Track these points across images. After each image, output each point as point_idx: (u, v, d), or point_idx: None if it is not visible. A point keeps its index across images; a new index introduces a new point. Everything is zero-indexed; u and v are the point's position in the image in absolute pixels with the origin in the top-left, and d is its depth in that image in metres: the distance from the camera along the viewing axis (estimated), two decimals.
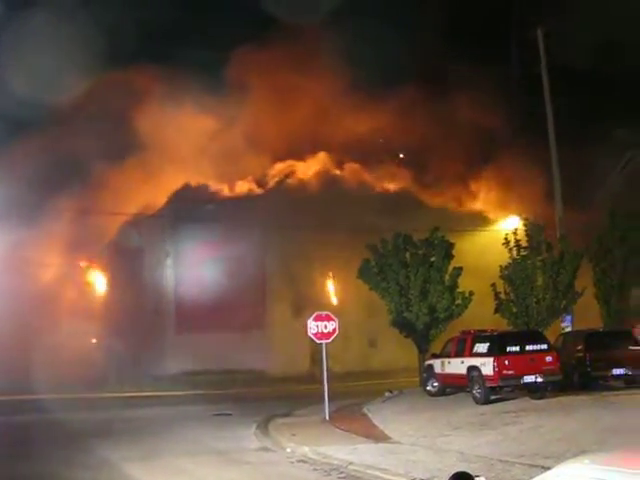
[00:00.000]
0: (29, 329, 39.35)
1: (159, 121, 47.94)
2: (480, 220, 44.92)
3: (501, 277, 26.70)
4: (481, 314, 27.32)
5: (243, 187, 50.61)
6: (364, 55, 44.21)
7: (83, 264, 52.44)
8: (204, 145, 49.98)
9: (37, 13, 42.54)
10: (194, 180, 50.18)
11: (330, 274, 45.03)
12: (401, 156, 53.60)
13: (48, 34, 41.99)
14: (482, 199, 50.52)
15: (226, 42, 45.77)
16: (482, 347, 21.70)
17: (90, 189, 47.09)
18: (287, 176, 50.76)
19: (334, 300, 43.55)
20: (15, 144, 43.27)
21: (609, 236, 28.06)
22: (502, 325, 26.45)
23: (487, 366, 20.79)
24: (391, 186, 50.57)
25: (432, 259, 27.19)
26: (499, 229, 35.62)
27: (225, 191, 50.24)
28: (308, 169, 51.40)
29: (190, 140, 49.58)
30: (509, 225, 33.19)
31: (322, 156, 51.33)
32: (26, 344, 36.86)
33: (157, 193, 48.94)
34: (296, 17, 45.20)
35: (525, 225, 27.19)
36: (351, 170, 51.25)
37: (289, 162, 51.60)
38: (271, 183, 50.47)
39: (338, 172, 51.38)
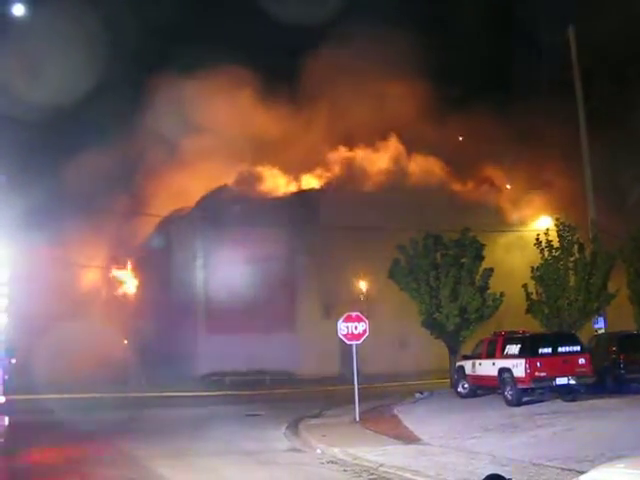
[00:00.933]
0: (63, 329, 39.78)
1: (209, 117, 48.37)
2: (514, 220, 44.60)
3: (532, 278, 26.45)
4: (513, 315, 27.13)
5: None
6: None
7: (115, 265, 53.01)
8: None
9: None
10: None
11: (360, 274, 44.95)
12: (460, 138, 53.36)
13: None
14: (514, 198, 50.18)
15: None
16: (514, 348, 21.50)
17: (128, 193, 47.71)
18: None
19: (364, 301, 43.46)
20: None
21: None
22: (535, 327, 26.22)
23: (519, 368, 20.59)
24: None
25: (463, 260, 27.03)
26: (531, 229, 35.27)
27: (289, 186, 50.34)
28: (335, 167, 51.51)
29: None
30: (541, 225, 32.88)
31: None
32: (60, 344, 37.29)
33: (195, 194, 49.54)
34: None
35: (557, 226, 26.88)
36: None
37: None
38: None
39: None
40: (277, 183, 51.22)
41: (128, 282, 52.27)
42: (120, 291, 52.13)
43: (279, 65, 50.35)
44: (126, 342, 45.13)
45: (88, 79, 44.61)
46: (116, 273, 53.94)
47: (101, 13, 45.34)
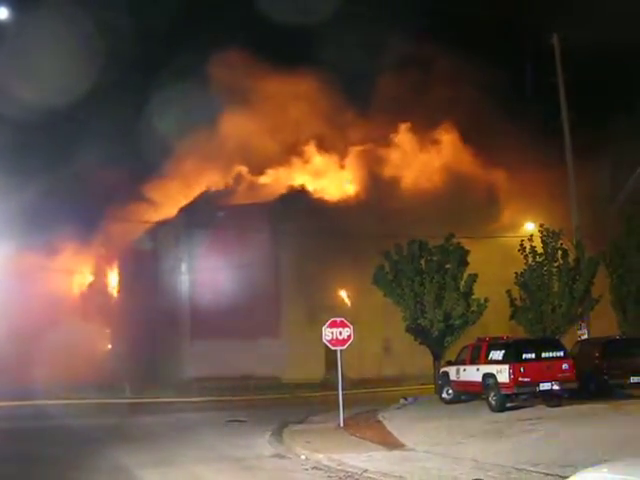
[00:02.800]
0: (45, 335, 39.57)
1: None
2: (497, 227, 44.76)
3: (516, 284, 26.58)
4: (496, 321, 27.26)
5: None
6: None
7: (101, 271, 52.83)
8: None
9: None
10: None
11: (344, 280, 44.97)
12: None
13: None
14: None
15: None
16: (498, 354, 21.57)
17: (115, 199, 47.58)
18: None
19: (349, 306, 43.49)
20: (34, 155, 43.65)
21: (625, 242, 27.82)
22: (519, 332, 26.35)
23: (503, 373, 20.65)
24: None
25: (447, 266, 27.11)
26: (515, 235, 35.43)
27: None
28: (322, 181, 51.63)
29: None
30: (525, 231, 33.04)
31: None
32: (42, 350, 37.06)
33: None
34: None
35: (540, 232, 27.03)
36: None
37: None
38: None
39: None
40: (262, 188, 51.14)
41: (113, 287, 52.07)
42: (105, 296, 51.89)
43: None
44: (110, 347, 44.92)
45: (83, 81, 44.43)
46: (101, 279, 53.72)
47: (98, 14, 45.16)
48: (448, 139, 52.33)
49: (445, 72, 49.91)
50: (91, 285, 54.92)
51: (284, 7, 45.88)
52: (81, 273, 52.48)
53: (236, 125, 51.14)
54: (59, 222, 44.83)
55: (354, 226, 41.33)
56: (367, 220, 42.56)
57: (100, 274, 53.61)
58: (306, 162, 52.93)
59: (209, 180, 51.53)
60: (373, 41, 49.05)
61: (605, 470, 4.08)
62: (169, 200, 50.29)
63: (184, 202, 49.56)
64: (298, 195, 48.98)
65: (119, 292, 50.62)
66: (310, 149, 52.85)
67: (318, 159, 53.05)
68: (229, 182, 51.61)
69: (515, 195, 46.80)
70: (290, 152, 52.11)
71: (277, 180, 51.33)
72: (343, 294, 45.31)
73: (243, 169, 52.28)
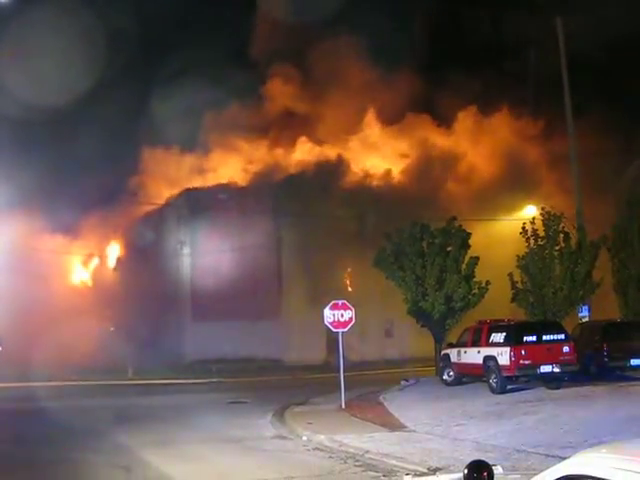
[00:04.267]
0: (47, 316, 39.67)
1: None
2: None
3: (518, 267, 26.59)
4: (499, 304, 27.29)
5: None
6: None
7: (101, 253, 52.86)
8: None
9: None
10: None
11: (346, 262, 44.99)
12: None
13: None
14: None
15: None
16: (499, 337, 21.66)
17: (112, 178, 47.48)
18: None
19: (350, 289, 43.54)
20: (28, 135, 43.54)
21: (627, 226, 27.82)
22: (520, 315, 26.39)
23: (504, 356, 20.74)
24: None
25: (449, 248, 27.12)
26: (518, 218, 35.41)
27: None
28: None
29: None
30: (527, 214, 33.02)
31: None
32: (44, 331, 37.14)
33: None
34: None
35: (542, 215, 27.00)
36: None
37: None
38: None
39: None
40: (262, 171, 50.98)
41: (115, 270, 52.15)
42: (106, 279, 51.96)
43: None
44: (112, 329, 45.04)
45: (86, 76, 44.19)
46: (103, 261, 53.78)
47: (100, 10, 44.86)
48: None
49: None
50: (91, 267, 54.97)
51: None
52: (80, 255, 52.48)
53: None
54: (60, 204, 44.74)
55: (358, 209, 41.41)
56: (370, 203, 42.66)
57: (102, 256, 53.66)
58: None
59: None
60: None
61: (604, 451, 4.12)
62: (175, 183, 50.20)
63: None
64: (300, 179, 48.72)
65: (120, 274, 50.65)
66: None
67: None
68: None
69: (520, 179, 46.57)
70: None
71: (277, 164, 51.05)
72: (345, 276, 45.32)
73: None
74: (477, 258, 27.05)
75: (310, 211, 41.76)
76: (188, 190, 48.00)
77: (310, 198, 43.25)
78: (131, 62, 47.13)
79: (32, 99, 39.83)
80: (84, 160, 44.97)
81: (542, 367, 20.56)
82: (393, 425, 17.06)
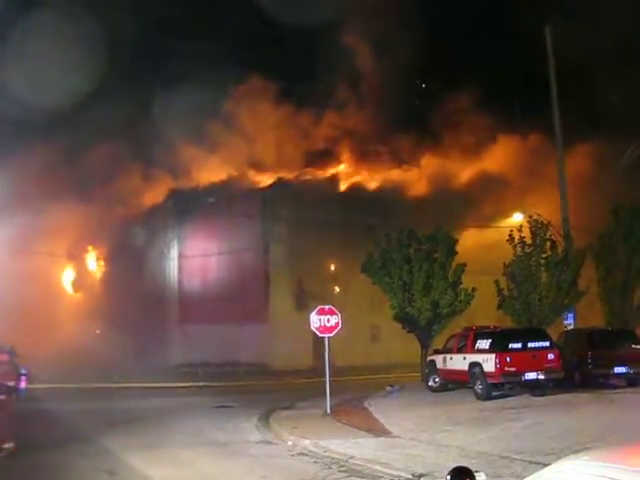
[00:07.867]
0: (32, 319, 39.43)
1: None
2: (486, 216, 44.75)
3: (504, 274, 26.68)
4: (485, 311, 27.39)
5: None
6: None
7: (87, 255, 52.60)
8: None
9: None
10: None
11: (333, 268, 45.02)
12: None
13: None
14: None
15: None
16: (484, 343, 21.73)
17: (98, 180, 47.19)
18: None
19: (337, 294, 43.57)
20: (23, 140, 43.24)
21: (613, 234, 27.98)
22: (507, 322, 26.48)
23: (489, 362, 20.81)
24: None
25: (436, 255, 27.20)
26: (504, 226, 35.53)
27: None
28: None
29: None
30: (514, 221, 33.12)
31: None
32: (29, 334, 36.92)
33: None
34: None
35: (529, 222, 27.12)
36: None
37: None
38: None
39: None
40: (252, 176, 50.96)
41: (100, 271, 51.95)
42: (92, 281, 51.74)
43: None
44: (98, 332, 44.83)
45: (86, 79, 43.99)
46: (88, 262, 53.54)
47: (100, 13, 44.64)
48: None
49: None
50: (77, 270, 54.71)
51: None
52: (65, 256, 52.17)
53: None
54: (41, 205, 44.50)
55: (345, 215, 41.41)
56: (358, 209, 42.68)
57: (87, 259, 53.41)
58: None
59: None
60: None
61: (585, 457, 4.14)
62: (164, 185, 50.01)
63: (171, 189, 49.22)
64: (288, 184, 48.71)
65: (107, 277, 50.46)
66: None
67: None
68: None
69: (507, 186, 46.72)
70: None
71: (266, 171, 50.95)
72: (332, 282, 45.36)
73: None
74: (464, 265, 27.14)
75: (298, 215, 41.79)
76: (176, 192, 47.89)
77: (299, 203, 43.30)
78: (130, 66, 46.94)
79: (31, 100, 39.67)
80: (82, 161, 44.87)
81: (527, 374, 20.64)
82: (378, 431, 17.08)
